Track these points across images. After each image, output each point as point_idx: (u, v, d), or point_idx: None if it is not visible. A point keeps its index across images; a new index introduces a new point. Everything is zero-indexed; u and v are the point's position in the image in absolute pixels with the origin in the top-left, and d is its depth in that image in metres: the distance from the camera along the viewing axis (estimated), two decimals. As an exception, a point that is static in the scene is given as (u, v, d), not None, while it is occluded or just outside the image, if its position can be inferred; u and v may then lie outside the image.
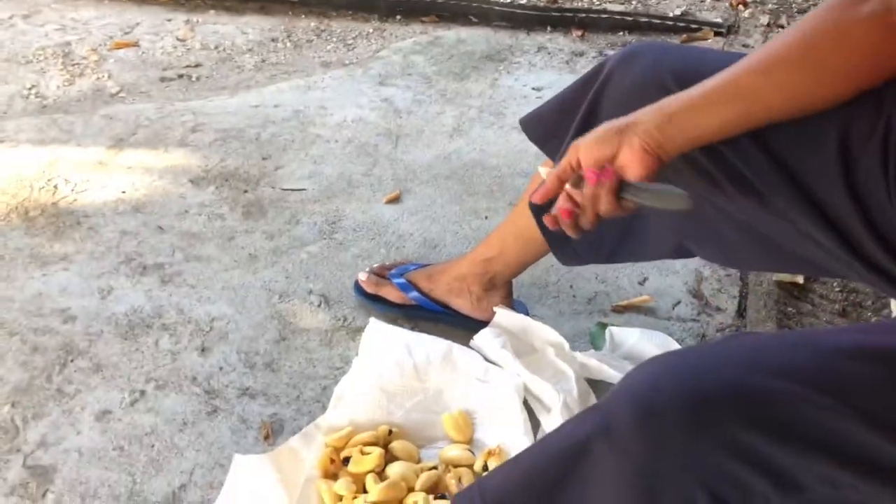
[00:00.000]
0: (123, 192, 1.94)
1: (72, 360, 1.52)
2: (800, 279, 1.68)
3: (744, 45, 2.52)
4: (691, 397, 0.68)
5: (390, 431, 1.34)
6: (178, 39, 2.58)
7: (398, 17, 2.69)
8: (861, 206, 0.94)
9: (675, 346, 1.51)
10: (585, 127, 1.13)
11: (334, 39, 2.61)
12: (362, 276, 1.62)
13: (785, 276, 1.67)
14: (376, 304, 1.60)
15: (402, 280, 1.58)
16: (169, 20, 2.69)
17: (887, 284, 0.98)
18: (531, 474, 0.79)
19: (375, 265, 1.66)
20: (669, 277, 1.72)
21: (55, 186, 1.95)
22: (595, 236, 1.23)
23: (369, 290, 1.61)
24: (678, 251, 1.26)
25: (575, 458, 0.73)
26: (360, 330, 1.56)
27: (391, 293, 1.59)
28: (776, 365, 0.73)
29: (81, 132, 2.15)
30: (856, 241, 0.96)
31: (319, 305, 1.65)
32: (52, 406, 1.43)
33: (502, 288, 1.54)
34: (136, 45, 2.55)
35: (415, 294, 1.56)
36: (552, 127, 1.25)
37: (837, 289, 1.70)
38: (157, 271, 1.72)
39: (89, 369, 1.50)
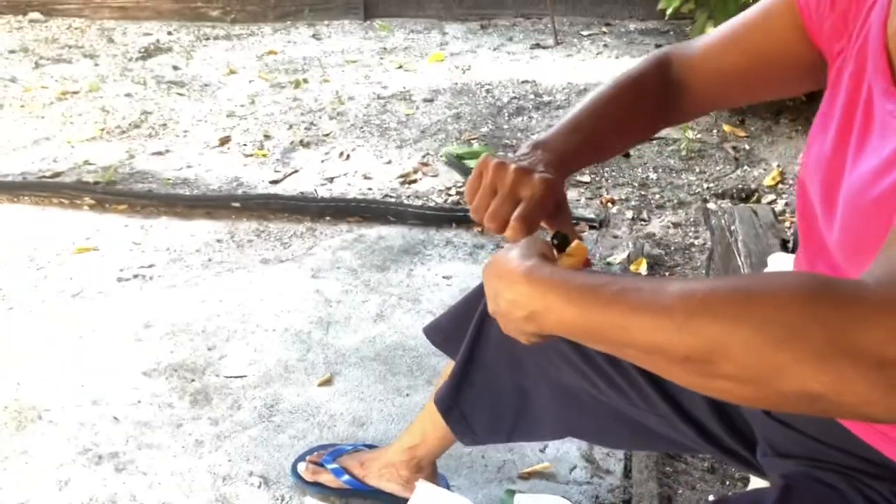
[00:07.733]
0: (82, 385, 1.89)
1: (28, 553, 1.43)
2: (674, 441, 1.72)
3: (614, 237, 2.65)
4: None
5: None
6: (133, 243, 2.59)
7: (327, 218, 2.75)
8: (718, 410, 1.00)
9: (574, 510, 1.51)
10: (480, 332, 1.18)
11: (272, 239, 2.64)
12: (301, 467, 1.59)
13: (662, 440, 1.71)
14: (314, 488, 1.57)
15: (335, 466, 1.56)
16: (126, 226, 2.70)
17: (739, 464, 1.03)
18: None
19: (313, 454, 1.62)
20: (566, 445, 1.73)
21: (18, 383, 1.89)
22: (491, 421, 1.25)
23: (308, 478, 1.58)
24: (566, 434, 1.27)
25: None
26: (297, 508, 1.52)
27: (328, 479, 1.57)
28: None
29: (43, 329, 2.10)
30: (711, 432, 1.01)
31: (259, 486, 1.61)
32: None
33: (428, 468, 1.52)
34: (95, 249, 2.55)
35: (348, 478, 1.55)
36: (451, 333, 1.29)
37: (707, 447, 1.74)
38: (112, 460, 1.66)
39: (44, 561, 1.42)
